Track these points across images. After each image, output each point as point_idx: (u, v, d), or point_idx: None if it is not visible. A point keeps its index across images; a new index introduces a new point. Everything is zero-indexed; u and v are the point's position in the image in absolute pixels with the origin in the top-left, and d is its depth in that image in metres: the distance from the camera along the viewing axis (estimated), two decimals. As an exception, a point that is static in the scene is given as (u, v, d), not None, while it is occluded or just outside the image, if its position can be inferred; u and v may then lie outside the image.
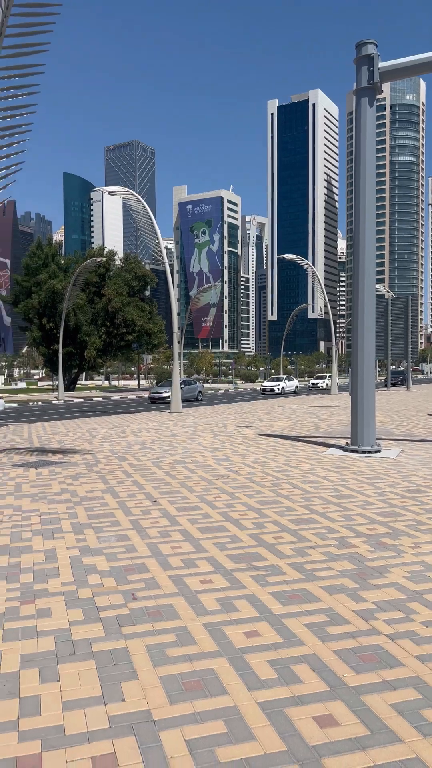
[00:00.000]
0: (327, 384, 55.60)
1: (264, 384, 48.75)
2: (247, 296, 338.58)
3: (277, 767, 2.52)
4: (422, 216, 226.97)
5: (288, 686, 3.15)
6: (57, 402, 38.98)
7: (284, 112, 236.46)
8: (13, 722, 2.86)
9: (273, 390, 45.91)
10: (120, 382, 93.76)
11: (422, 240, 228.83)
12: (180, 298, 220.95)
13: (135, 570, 4.99)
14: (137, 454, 11.92)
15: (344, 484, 8.52)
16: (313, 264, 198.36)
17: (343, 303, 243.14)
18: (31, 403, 37.89)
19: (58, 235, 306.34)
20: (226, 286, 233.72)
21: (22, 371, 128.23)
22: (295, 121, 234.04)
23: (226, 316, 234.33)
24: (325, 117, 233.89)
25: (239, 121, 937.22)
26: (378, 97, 11.88)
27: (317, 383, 56.96)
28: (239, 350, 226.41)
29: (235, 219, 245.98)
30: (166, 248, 27.26)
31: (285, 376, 52.18)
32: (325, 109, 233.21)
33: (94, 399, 42.59)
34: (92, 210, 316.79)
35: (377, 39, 11.47)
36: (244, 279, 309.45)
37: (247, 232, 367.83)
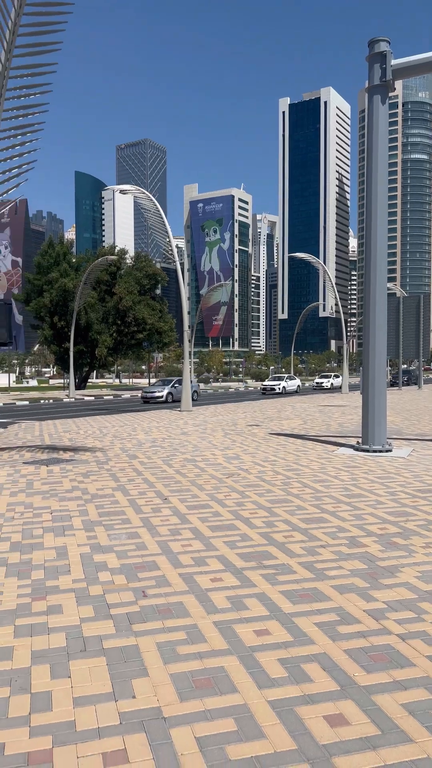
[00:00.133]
0: (332, 383, 54.54)
1: (264, 383, 47.86)
2: (258, 295, 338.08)
3: (287, 766, 2.51)
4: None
5: (298, 685, 3.15)
6: (68, 400, 39.15)
7: (296, 111, 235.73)
8: (25, 717, 2.88)
9: (274, 389, 44.97)
10: (131, 380, 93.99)
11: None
12: (191, 297, 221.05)
13: (145, 567, 5.00)
14: (148, 452, 11.95)
15: (355, 483, 8.49)
16: (324, 262, 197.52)
17: (354, 302, 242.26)
18: (42, 401, 38.08)
19: (70, 234, 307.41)
20: (236, 285, 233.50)
21: (33, 369, 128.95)
22: (306, 119, 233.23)
23: (236, 314, 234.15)
24: (337, 115, 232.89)
25: (250, 120, 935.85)
26: (390, 94, 11.81)
27: (321, 382, 55.68)
28: (250, 349, 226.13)
29: (246, 217, 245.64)
30: (176, 247, 27.30)
31: (286, 375, 51.12)
32: (337, 107, 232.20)
33: (105, 397, 42.74)
34: (103, 209, 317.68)
35: (390, 36, 11.39)
36: (254, 277, 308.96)
37: (258, 230, 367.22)
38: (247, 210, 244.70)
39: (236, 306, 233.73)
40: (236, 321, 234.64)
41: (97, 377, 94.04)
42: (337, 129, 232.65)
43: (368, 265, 11.67)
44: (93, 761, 2.55)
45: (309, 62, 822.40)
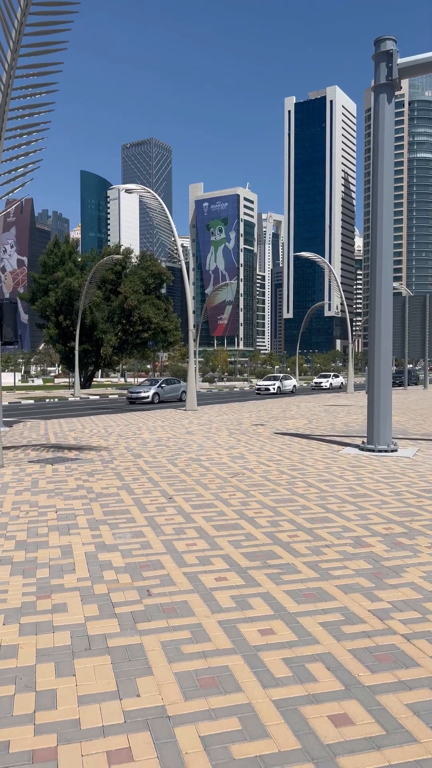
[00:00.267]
0: (331, 383, 53.26)
1: (259, 383, 46.08)
2: (263, 294, 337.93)
3: (292, 765, 2.51)
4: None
5: (303, 684, 3.15)
6: (73, 399, 39.23)
7: (301, 110, 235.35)
8: (30, 715, 2.89)
9: (268, 389, 43.20)
10: (135, 379, 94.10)
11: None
12: (196, 296, 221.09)
13: (150, 566, 5.01)
14: (152, 451, 11.96)
15: (360, 483, 8.47)
16: (330, 262, 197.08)
17: (360, 301, 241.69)
18: (47, 400, 38.17)
19: (75, 233, 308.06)
20: (242, 284, 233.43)
21: (38, 368, 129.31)
22: (312, 118, 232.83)
23: (241, 313, 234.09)
24: (343, 114, 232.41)
25: (256, 119, 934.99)
26: (396, 93, 11.78)
27: (320, 382, 53.93)
28: (255, 348, 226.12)
29: (252, 216, 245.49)
30: (182, 246, 27.29)
31: (282, 374, 49.46)
32: (342, 105, 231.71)
33: (110, 396, 42.81)
34: (109, 208, 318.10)
35: (396, 34, 11.36)
36: (260, 277, 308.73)
37: (264, 229, 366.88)
38: (252, 209, 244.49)
39: (241, 305, 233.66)
40: (241, 320, 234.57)
41: (102, 376, 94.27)
42: (342, 128, 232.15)
43: (374, 265, 11.64)
44: (97, 759, 2.55)
45: (315, 61, 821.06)
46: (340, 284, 46.53)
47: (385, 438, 11.44)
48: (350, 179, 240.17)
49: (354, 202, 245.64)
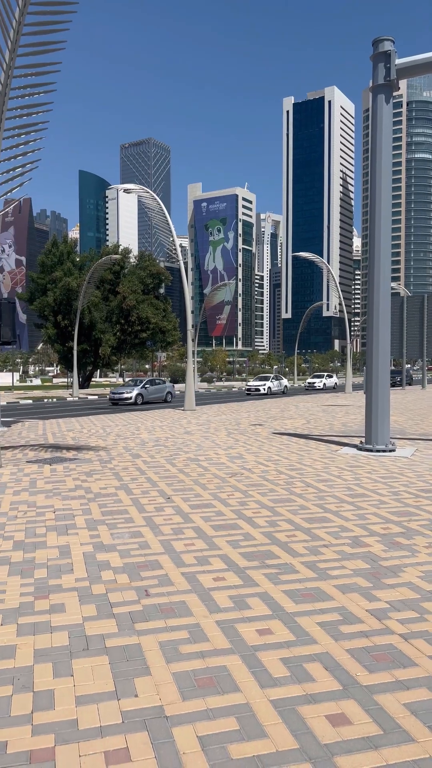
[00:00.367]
0: (324, 383, 52.35)
1: (248, 384, 45.00)
2: (262, 294, 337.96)
3: (289, 765, 2.52)
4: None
5: (300, 684, 3.15)
6: (71, 399, 39.21)
7: (300, 110, 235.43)
8: (27, 716, 2.89)
9: (258, 390, 42.08)
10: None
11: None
12: (194, 296, 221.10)
13: (148, 567, 5.01)
14: (151, 451, 11.96)
15: (358, 483, 8.48)
16: (328, 262, 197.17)
17: (358, 301, 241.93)
18: (45, 400, 38.14)
19: (74, 233, 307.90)
20: (240, 284, 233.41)
21: (37, 368, 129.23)
22: (310, 118, 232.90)
23: (240, 314, 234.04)
24: (341, 114, 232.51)
25: (254, 119, 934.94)
26: (395, 93, 11.79)
27: (314, 383, 52.85)
28: (253, 348, 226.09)
29: (250, 217, 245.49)
30: (180, 246, 27.30)
31: (272, 375, 48.33)
32: (341, 106, 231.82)
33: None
34: (107, 208, 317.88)
35: (396, 35, 11.37)
36: (258, 277, 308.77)
37: (262, 229, 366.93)
38: (251, 209, 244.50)
39: (240, 305, 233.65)
40: (240, 320, 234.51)
41: (100, 376, 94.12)
42: (341, 128, 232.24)
43: (372, 265, 11.65)
44: (95, 760, 2.55)
45: (313, 61, 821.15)
46: (338, 284, 46.55)
47: (383, 438, 11.45)
48: (348, 179, 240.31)
49: (352, 203, 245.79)
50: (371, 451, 11.39)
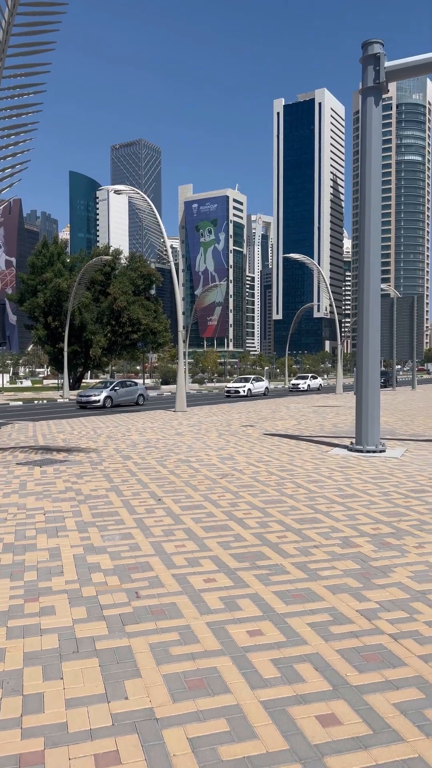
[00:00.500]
0: (308, 385, 51.54)
1: (228, 385, 44.13)
2: (253, 295, 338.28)
3: (279, 766, 2.52)
4: (428, 215, 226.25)
5: (291, 685, 3.15)
6: (62, 400, 39.07)
7: (290, 112, 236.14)
8: (17, 719, 2.88)
9: (238, 392, 41.23)
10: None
11: (428, 240, 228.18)
12: (185, 297, 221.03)
13: (139, 568, 5.00)
14: (142, 452, 11.94)
15: (348, 483, 8.51)
16: (319, 263, 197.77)
17: (349, 302, 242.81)
18: (36, 402, 37.99)
19: (64, 234, 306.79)
20: (231, 285, 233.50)
21: (27, 369, 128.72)
22: (301, 120, 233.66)
23: (231, 315, 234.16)
24: (332, 116, 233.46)
25: (245, 120, 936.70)
26: (384, 96, 11.85)
27: (297, 384, 51.51)
28: (244, 349, 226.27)
29: (241, 218, 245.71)
30: (171, 247, 27.30)
31: (253, 376, 47.40)
32: (331, 108, 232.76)
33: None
34: (98, 209, 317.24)
35: (384, 37, 11.43)
36: (249, 278, 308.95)
37: (253, 231, 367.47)
38: (241, 210, 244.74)
39: (231, 306, 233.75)
40: (231, 321, 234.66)
41: (91, 377, 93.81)
42: (331, 130, 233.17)
43: (362, 266, 11.70)
44: (85, 763, 2.55)
45: (304, 63, 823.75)
46: (328, 286, 46.72)
47: (373, 439, 11.50)
48: (339, 181, 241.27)
49: (343, 204, 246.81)
50: (361, 451, 11.43)
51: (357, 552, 5.39)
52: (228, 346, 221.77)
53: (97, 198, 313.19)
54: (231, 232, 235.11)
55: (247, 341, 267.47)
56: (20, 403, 36.81)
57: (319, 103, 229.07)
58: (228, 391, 42.18)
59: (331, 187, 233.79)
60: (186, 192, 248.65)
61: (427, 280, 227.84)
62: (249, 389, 41.76)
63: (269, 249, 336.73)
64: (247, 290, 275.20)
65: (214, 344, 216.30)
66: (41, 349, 60.42)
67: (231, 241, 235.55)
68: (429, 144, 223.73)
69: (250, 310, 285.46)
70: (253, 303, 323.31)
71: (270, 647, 3.57)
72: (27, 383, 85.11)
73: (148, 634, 3.77)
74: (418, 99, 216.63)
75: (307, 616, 4.01)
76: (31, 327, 52.76)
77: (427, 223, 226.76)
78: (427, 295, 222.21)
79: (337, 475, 9.12)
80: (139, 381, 64.52)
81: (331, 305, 45.80)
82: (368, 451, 11.37)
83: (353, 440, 12.30)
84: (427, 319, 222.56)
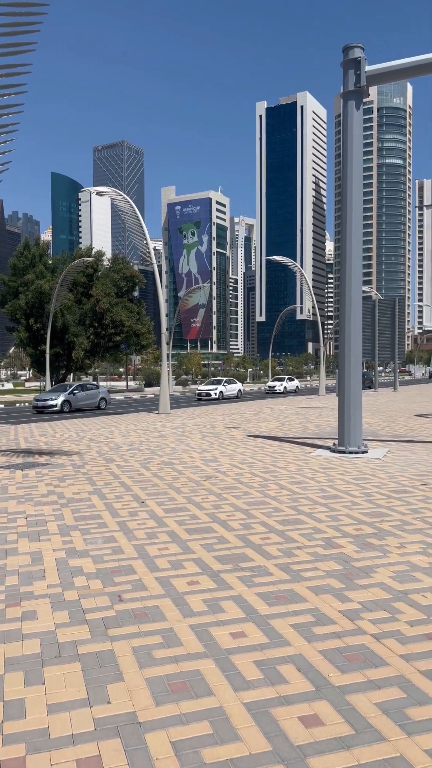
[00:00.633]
0: (285, 387, 50.99)
1: (200, 388, 43.50)
2: (236, 297, 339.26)
3: (262, 767, 2.52)
4: (409, 218, 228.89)
5: (274, 686, 3.16)
6: (44, 403, 38.72)
7: (273, 114, 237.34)
8: (-2, 725, 2.85)
9: (209, 395, 40.50)
10: (108, 383, 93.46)
11: (409, 242, 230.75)
12: (168, 299, 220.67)
13: (122, 572, 4.98)
14: (125, 455, 11.89)
15: (331, 484, 8.55)
16: (302, 266, 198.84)
17: (331, 304, 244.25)
18: (17, 404, 37.66)
19: (46, 235, 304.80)
20: (214, 287, 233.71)
21: (8, 372, 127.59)
22: (283, 123, 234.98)
23: (214, 317, 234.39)
24: (313, 119, 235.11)
25: (228, 123, 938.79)
26: (365, 100, 11.95)
27: (274, 386, 50.91)
28: (228, 351, 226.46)
29: (224, 220, 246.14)
30: (154, 249, 27.25)
31: (225, 378, 46.58)
32: (313, 111, 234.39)
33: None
34: (80, 210, 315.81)
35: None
36: (232, 280, 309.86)
37: (236, 233, 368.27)
38: (224, 213, 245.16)
39: (214, 308, 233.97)
40: (214, 323, 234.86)
41: (74, 380, 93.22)
42: (313, 133, 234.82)
43: (344, 269, 11.78)
44: (67, 768, 2.52)
45: (286, 66, 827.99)
46: (311, 288, 46.93)
47: (355, 440, 11.57)
48: (321, 184, 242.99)
49: (325, 207, 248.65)
50: (344, 452, 11.49)
51: (339, 553, 5.42)
52: (212, 348, 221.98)
53: (80, 199, 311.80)
54: (214, 235, 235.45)
55: (231, 343, 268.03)
56: (1, 405, 36.46)
57: (301, 107, 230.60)
58: (199, 394, 41.42)
59: (314, 189, 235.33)
60: (169, 194, 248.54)
61: (409, 282, 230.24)
62: (221, 392, 41.15)
63: (252, 251, 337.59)
64: (231, 292, 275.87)
65: (197, 346, 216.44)
66: (23, 351, 59.90)
67: (214, 243, 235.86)
68: (410, 147, 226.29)
69: (233, 312, 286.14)
70: (236, 305, 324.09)
71: (253, 649, 3.58)
72: (9, 386, 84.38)
73: (131, 637, 3.75)
74: (398, 103, 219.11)
75: (290, 617, 4.03)
76: (12, 329, 52.24)
77: (408, 226, 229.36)
78: (408, 297, 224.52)
79: (320, 476, 9.17)
80: (103, 383, 63.99)
81: (314, 307, 46.02)
82: (351, 452, 11.44)
83: (336, 441, 12.36)
84: (408, 321, 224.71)
